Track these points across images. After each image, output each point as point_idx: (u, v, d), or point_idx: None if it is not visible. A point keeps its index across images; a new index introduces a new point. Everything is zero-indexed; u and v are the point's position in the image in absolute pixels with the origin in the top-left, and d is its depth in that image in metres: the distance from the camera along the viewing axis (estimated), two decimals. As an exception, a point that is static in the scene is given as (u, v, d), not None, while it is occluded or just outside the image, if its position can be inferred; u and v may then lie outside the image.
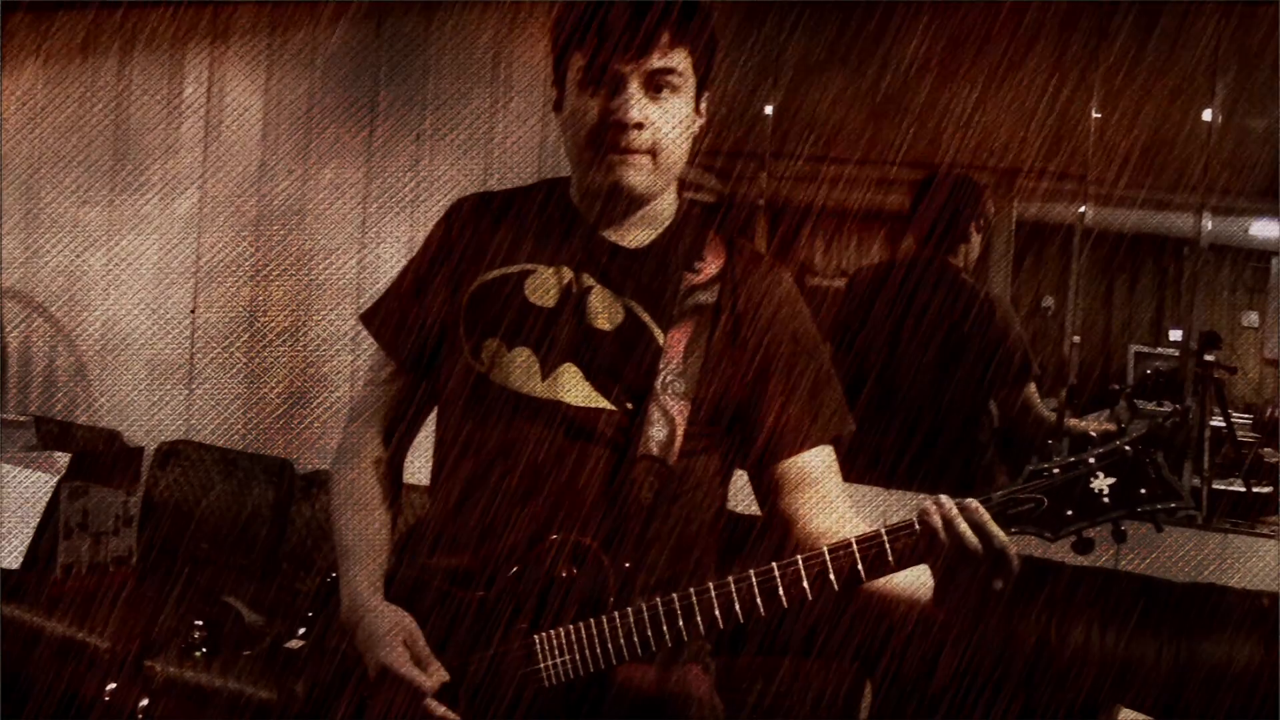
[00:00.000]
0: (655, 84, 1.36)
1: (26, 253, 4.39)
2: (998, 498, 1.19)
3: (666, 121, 1.37)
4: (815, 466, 1.42)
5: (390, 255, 3.79)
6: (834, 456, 1.44)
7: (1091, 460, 1.18)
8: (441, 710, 1.32)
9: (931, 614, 1.26)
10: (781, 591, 1.24)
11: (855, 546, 1.22)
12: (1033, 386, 3.13)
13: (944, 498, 1.20)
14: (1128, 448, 1.17)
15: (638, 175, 1.38)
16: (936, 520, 1.19)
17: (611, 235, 1.44)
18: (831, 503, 1.41)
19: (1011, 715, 2.65)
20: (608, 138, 1.36)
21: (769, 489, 1.43)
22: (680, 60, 1.36)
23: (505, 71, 3.66)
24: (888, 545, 1.21)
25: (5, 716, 3.15)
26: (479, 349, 1.42)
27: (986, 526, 1.18)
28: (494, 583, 1.36)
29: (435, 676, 1.34)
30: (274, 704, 2.84)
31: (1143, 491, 1.16)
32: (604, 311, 1.41)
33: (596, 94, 1.36)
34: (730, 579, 1.26)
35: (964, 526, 1.18)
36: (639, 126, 1.35)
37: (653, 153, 1.37)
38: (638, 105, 1.35)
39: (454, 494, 1.43)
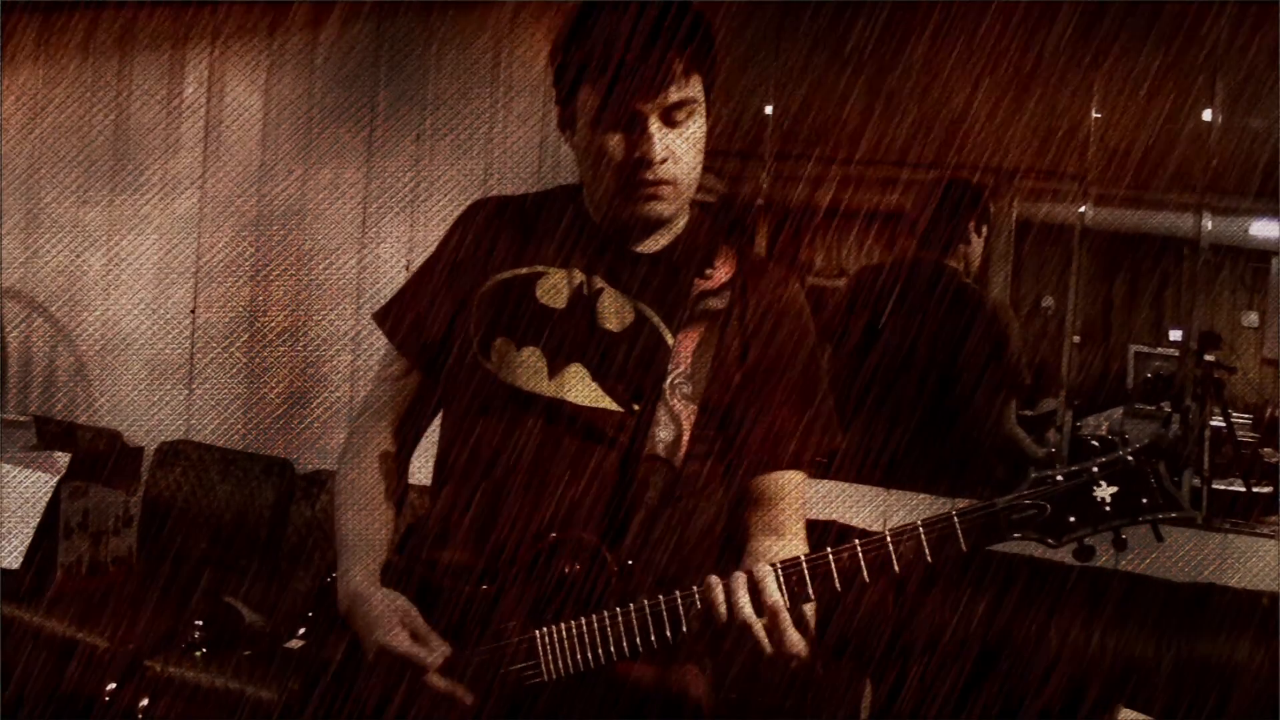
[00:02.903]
0: (673, 117, 1.35)
1: (26, 253, 4.38)
2: (1002, 503, 1.20)
3: (686, 149, 1.37)
4: (781, 489, 1.43)
5: (390, 255, 3.79)
6: (803, 481, 1.45)
7: (1095, 469, 1.19)
8: (445, 683, 1.32)
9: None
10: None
11: (860, 550, 1.22)
12: (1013, 404, 3.12)
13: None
14: (1130, 457, 1.19)
15: (664, 205, 1.39)
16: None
17: (624, 241, 1.45)
18: (781, 527, 1.42)
19: (1012, 715, 2.65)
20: (633, 176, 1.36)
21: (737, 498, 1.45)
22: (695, 88, 1.36)
23: (505, 71, 3.66)
24: (891, 550, 1.21)
25: (5, 716, 3.15)
26: (488, 348, 1.43)
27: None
28: (496, 577, 1.36)
29: (438, 652, 1.34)
30: (274, 704, 2.84)
31: (1144, 501, 1.18)
32: (614, 313, 1.41)
33: (614, 130, 1.35)
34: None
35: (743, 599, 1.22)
36: (663, 161, 1.36)
37: (675, 181, 1.38)
38: (660, 141, 1.34)
39: (457, 490, 1.43)
